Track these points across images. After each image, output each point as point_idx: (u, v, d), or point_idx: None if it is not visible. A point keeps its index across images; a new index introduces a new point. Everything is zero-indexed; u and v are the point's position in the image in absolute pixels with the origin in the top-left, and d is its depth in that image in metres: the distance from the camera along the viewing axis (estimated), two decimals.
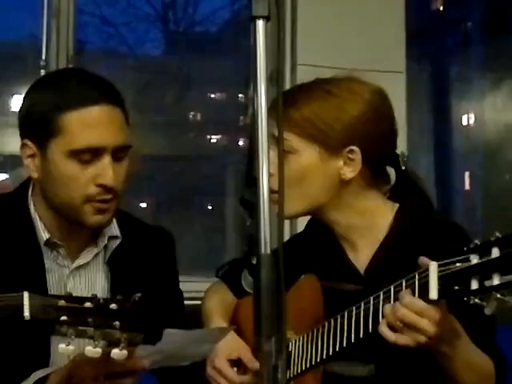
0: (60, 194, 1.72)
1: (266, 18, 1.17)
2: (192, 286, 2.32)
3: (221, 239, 4.15)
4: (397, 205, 1.73)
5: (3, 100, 3.85)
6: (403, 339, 1.44)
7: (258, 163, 1.16)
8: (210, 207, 4.54)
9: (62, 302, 1.46)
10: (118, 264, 1.81)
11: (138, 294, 1.46)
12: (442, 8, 5.57)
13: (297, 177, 1.67)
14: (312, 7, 3.43)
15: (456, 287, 1.35)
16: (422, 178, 1.80)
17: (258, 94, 1.18)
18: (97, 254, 1.81)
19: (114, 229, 1.82)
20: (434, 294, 1.39)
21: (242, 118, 4.31)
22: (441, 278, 1.38)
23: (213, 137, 4.56)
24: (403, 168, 1.76)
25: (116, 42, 4.37)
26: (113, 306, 1.45)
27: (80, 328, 1.43)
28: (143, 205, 4.29)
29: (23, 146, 1.74)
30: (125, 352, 1.42)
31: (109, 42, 4.34)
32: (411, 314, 1.42)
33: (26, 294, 1.47)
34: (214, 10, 4.51)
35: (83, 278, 1.78)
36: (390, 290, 1.49)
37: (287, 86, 3.22)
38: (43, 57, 3.28)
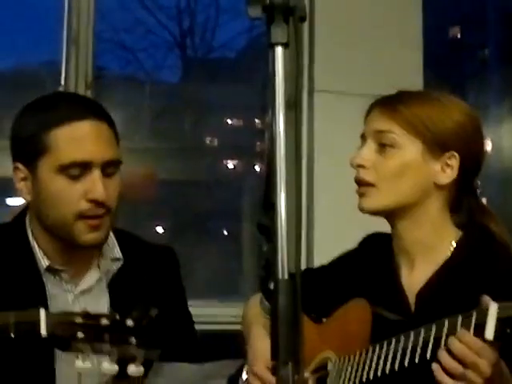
0: (52, 213, 1.71)
1: (285, 45, 1.17)
2: (207, 311, 2.32)
3: (237, 264, 4.15)
4: (460, 232, 1.71)
5: None
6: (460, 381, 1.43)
7: (275, 188, 1.16)
8: (225, 232, 4.54)
9: (78, 319, 1.46)
10: (119, 287, 1.79)
11: (155, 310, 1.46)
12: (459, 35, 5.58)
13: (396, 171, 1.67)
14: (329, 34, 3.44)
15: None
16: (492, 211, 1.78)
17: (276, 119, 1.19)
18: (100, 277, 1.80)
19: (117, 251, 1.81)
20: (489, 334, 1.40)
21: (258, 143, 4.32)
22: (499, 320, 1.39)
23: (229, 162, 4.57)
24: (479, 199, 1.77)
25: (134, 68, 4.41)
26: (129, 322, 1.45)
27: (96, 345, 1.44)
28: (159, 229, 4.30)
29: (15, 169, 1.75)
30: (141, 369, 1.42)
31: (127, 68, 4.38)
32: (471, 353, 1.42)
33: (42, 311, 1.47)
34: (231, 37, 4.55)
35: (88, 302, 1.77)
36: (443, 323, 1.48)
37: (305, 111, 3.23)
38: (62, 82, 3.31)
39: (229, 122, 4.68)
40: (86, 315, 1.46)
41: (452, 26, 5.68)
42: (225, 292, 3.85)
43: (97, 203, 1.70)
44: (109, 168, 1.72)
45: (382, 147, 1.68)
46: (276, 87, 1.19)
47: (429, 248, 1.70)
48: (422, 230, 1.70)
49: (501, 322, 1.38)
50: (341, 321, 1.73)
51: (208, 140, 4.54)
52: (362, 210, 1.71)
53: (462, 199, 1.74)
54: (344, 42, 3.43)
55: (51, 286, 1.76)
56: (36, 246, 1.77)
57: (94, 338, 1.44)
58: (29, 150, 1.72)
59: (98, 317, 1.46)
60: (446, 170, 1.68)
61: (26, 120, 1.76)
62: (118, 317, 1.45)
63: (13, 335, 1.46)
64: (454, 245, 1.69)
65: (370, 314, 1.68)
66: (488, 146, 5.18)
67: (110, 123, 1.75)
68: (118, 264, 1.81)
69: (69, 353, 1.45)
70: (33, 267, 1.75)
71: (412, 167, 1.67)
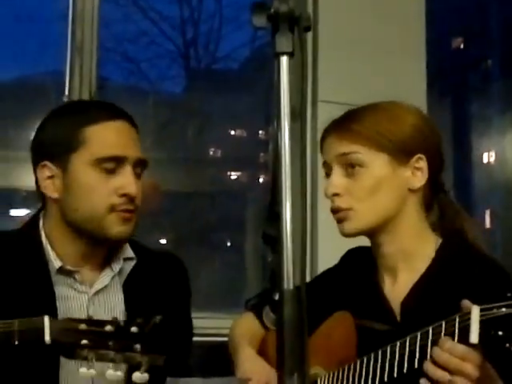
0: (82, 206, 1.74)
1: (290, 55, 1.17)
2: (210, 323, 2.31)
3: (240, 276, 4.14)
4: (439, 238, 1.73)
5: (27, 134, 3.89)
6: None
7: (280, 197, 1.16)
8: (229, 243, 4.54)
9: (82, 326, 1.46)
10: (133, 286, 1.82)
11: (159, 317, 1.46)
12: (462, 46, 5.58)
13: (370, 190, 1.68)
14: (333, 44, 3.44)
15: (500, 332, 1.36)
16: (463, 209, 1.80)
17: (281, 129, 1.18)
18: (113, 277, 1.82)
19: (129, 251, 1.85)
20: (474, 337, 1.39)
21: (262, 154, 4.32)
22: (482, 322, 1.38)
23: (233, 173, 4.57)
24: (448, 194, 1.78)
25: (137, 79, 4.41)
26: (133, 329, 1.45)
27: (101, 351, 1.43)
28: (163, 241, 4.29)
29: (42, 167, 1.78)
30: (146, 375, 1.42)
31: (130, 79, 4.38)
32: (454, 359, 1.42)
33: (46, 318, 1.47)
34: (235, 48, 4.55)
35: (102, 302, 1.79)
36: (428, 331, 1.48)
37: (308, 122, 3.23)
38: (66, 92, 3.31)
39: (232, 132, 4.68)
40: (90, 322, 1.46)
41: (455, 37, 5.69)
42: (228, 304, 3.85)
43: (129, 198, 1.75)
44: (138, 167, 1.79)
45: (351, 169, 1.69)
46: (281, 97, 1.18)
47: (409, 256, 1.71)
48: (403, 239, 1.71)
49: (484, 324, 1.38)
50: (326, 335, 1.74)
51: (211, 151, 4.54)
52: (343, 234, 1.72)
53: (433, 198, 1.75)
54: (347, 53, 3.44)
55: (64, 287, 1.77)
56: (49, 247, 1.79)
57: (98, 344, 1.43)
58: (60, 147, 1.76)
59: (102, 323, 1.46)
60: (417, 174, 1.69)
61: (55, 122, 1.81)
62: (122, 323, 1.45)
63: (17, 342, 1.46)
64: (434, 253, 1.69)
65: (354, 324, 1.69)
66: (491, 157, 5.18)
67: (136, 127, 1.83)
68: (132, 263, 1.84)
69: (73, 360, 1.45)
70: (43, 269, 1.77)
71: (384, 181, 1.68)
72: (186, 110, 4.43)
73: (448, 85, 5.14)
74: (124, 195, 1.74)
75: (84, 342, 1.44)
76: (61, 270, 1.77)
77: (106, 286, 1.80)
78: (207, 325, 1.97)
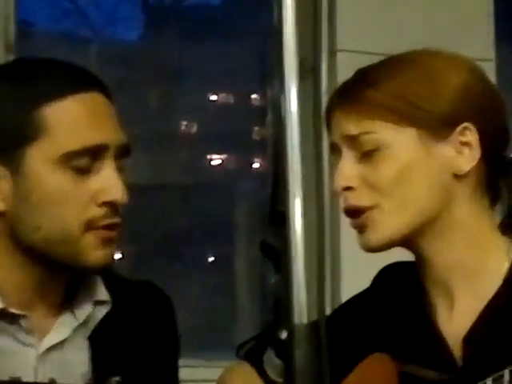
0: (47, 223, 1.71)
1: None
2: (188, 374, 2.32)
3: (228, 305, 4.16)
4: (509, 239, 1.73)
5: None
6: None
7: (286, 192, 1.16)
8: (211, 258, 4.56)
9: None
10: (104, 339, 1.81)
11: (117, 378, 1.47)
12: None
13: (396, 180, 1.68)
14: None
15: None
16: None
17: (285, 92, 1.19)
18: (77, 327, 1.80)
19: (102, 291, 1.82)
20: None
21: (256, 128, 4.34)
22: None
23: (214, 157, 4.59)
24: None
25: (75, 22, 4.42)
26: None
27: None
28: (117, 255, 4.31)
29: None
30: None
31: (64, 22, 4.39)
32: None
33: None
34: None
35: (57, 361, 1.77)
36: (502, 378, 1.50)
37: (324, 79, 3.24)
38: None
39: (213, 98, 4.69)
40: None
41: None
42: (211, 346, 3.86)
43: (113, 207, 1.72)
44: (121, 158, 1.75)
45: (366, 153, 1.69)
46: (284, 44, 1.19)
47: (470, 272, 1.71)
48: (457, 246, 1.71)
49: None
50: None
51: (183, 125, 4.56)
52: (368, 249, 1.71)
53: (495, 185, 1.75)
54: None
55: (3, 337, 1.74)
56: None
57: None
58: (7, 137, 1.72)
59: None
60: (464, 151, 1.68)
61: None
62: None
63: None
64: (506, 267, 1.70)
65: (395, 372, 1.69)
66: None
67: (111, 98, 1.80)
68: (104, 310, 1.81)
69: None
70: None
71: (415, 166, 1.69)
72: (145, 66, 4.44)
73: None
74: (106, 204, 1.71)
75: None
76: (1, 314, 1.74)
77: (64, 340, 1.79)
78: (183, 377, 1.97)
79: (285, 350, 1.14)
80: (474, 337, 1.68)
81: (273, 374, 1.84)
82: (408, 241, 1.72)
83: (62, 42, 4.29)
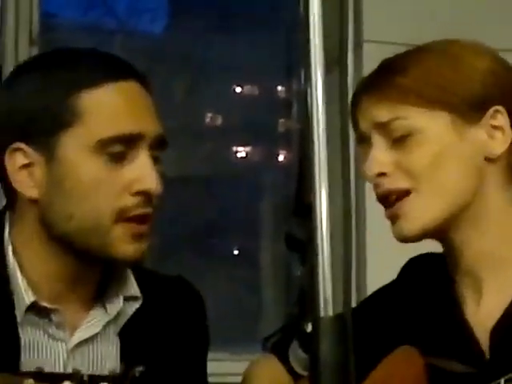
0: (80, 211, 1.71)
1: None
2: (213, 367, 2.33)
3: (254, 298, 4.15)
4: None
5: None
6: None
7: (312, 184, 1.16)
8: (236, 251, 4.55)
9: (29, 382, 1.47)
10: (134, 335, 1.81)
11: (140, 368, 1.47)
12: None
13: (429, 166, 1.69)
14: None
15: None
16: None
17: (311, 84, 1.19)
18: (108, 323, 1.80)
19: (133, 287, 1.82)
20: None
21: (281, 120, 4.33)
22: None
23: (239, 149, 4.58)
24: None
25: (98, 14, 4.42)
26: None
27: None
28: None
29: (12, 153, 1.73)
30: None
31: (88, 14, 4.39)
32: None
33: None
34: None
35: (86, 356, 1.77)
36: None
37: (350, 72, 3.24)
38: None
39: (238, 90, 4.68)
40: (40, 375, 1.47)
41: None
42: (237, 339, 3.86)
43: (147, 197, 1.72)
44: (157, 149, 1.76)
45: (398, 139, 1.70)
46: (311, 38, 1.19)
47: (500, 262, 1.71)
48: (488, 235, 1.71)
49: None
50: (383, 381, 1.75)
51: (208, 117, 4.55)
52: (403, 239, 1.72)
53: None
54: None
55: (33, 331, 1.75)
56: (18, 272, 1.74)
57: None
58: (41, 124, 1.72)
59: (58, 378, 1.47)
60: (495, 135, 1.70)
61: (30, 85, 1.76)
62: (85, 377, 1.46)
63: None
64: None
65: (423, 365, 1.69)
66: None
67: (150, 89, 1.81)
68: (135, 305, 1.81)
69: None
70: (6, 306, 1.73)
71: (449, 151, 1.69)
72: (170, 58, 4.44)
73: None
74: (139, 193, 1.71)
75: None
76: (33, 308, 1.74)
77: (95, 335, 1.79)
78: (207, 370, 1.97)
79: (310, 343, 1.14)
80: (501, 329, 1.68)
81: (298, 368, 1.84)
82: (440, 231, 1.72)
83: (86, 34, 4.28)
